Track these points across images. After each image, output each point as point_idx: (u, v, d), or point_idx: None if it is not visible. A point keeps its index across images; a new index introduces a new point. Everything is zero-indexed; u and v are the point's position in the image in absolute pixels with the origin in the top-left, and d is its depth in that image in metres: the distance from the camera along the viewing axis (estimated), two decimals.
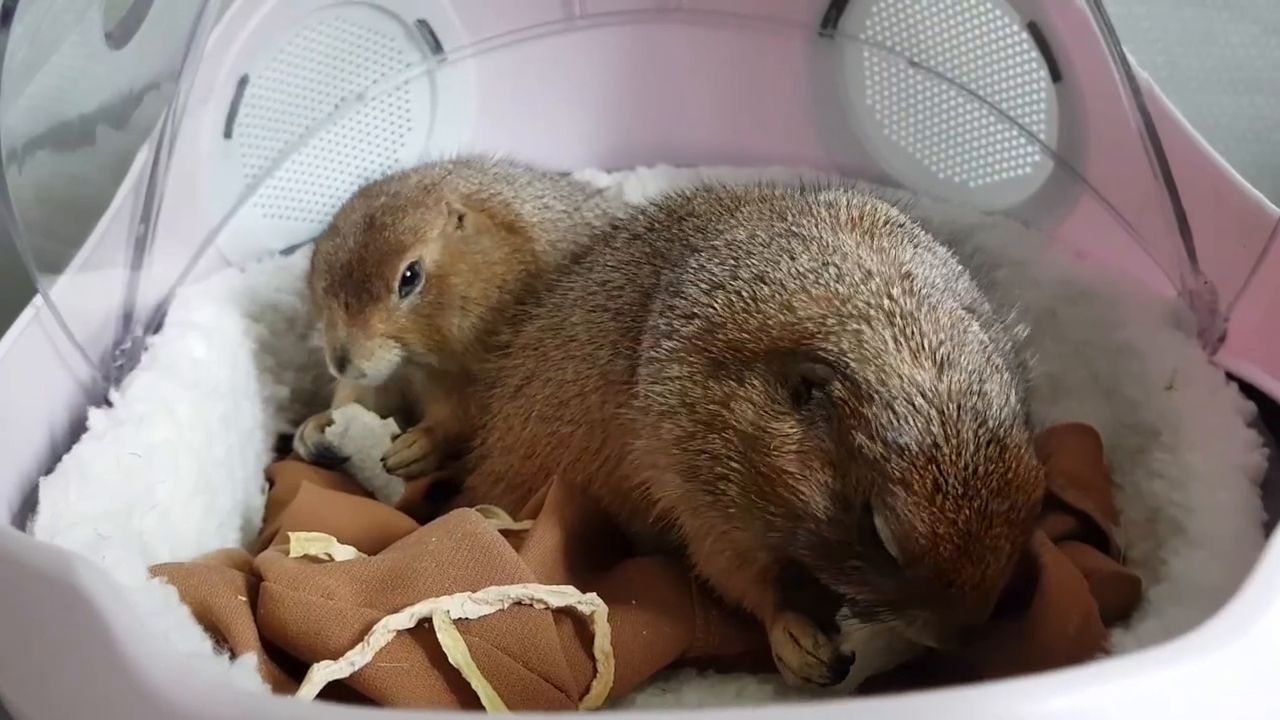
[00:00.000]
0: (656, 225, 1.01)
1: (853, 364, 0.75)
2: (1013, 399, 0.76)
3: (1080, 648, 0.76)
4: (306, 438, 1.18)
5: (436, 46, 1.36)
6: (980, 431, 0.73)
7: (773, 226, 0.88)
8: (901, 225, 0.90)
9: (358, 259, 1.10)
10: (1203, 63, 1.37)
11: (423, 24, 1.35)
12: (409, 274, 1.10)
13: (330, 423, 1.17)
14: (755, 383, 0.78)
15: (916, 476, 0.71)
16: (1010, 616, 0.80)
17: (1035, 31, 1.16)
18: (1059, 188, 1.20)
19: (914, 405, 0.72)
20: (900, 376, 0.73)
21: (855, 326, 0.76)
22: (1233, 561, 0.79)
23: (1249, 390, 0.95)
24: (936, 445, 0.72)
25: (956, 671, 0.79)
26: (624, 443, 0.89)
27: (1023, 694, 0.47)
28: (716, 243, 0.89)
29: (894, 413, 0.72)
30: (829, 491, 0.74)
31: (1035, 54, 1.17)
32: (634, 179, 1.40)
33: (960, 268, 0.89)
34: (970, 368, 0.75)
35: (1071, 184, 1.18)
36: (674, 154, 1.42)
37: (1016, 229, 1.22)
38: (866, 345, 0.75)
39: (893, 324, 0.76)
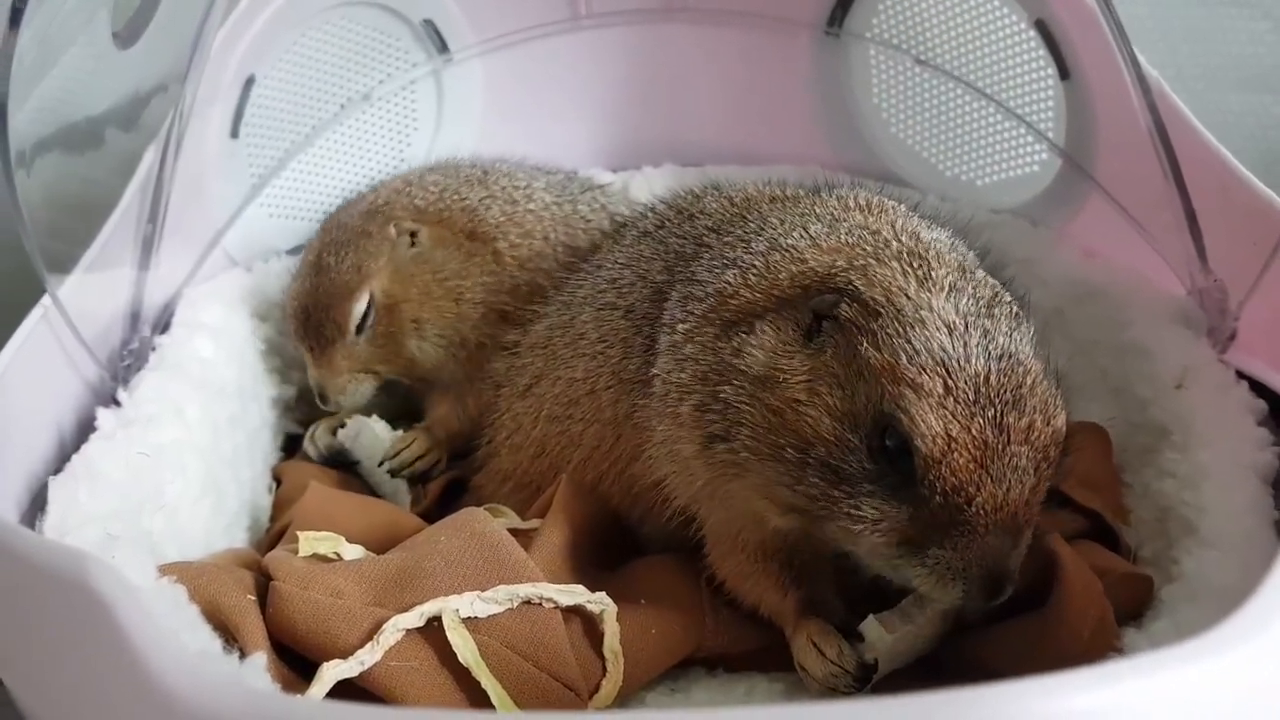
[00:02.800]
0: (667, 223, 1.02)
1: (860, 287, 0.76)
2: (1024, 328, 0.77)
3: (1093, 650, 0.76)
4: (318, 439, 1.19)
5: (442, 46, 1.36)
6: (990, 346, 0.73)
7: (787, 218, 0.89)
8: (907, 215, 0.91)
9: (312, 304, 1.15)
10: (1211, 60, 1.36)
11: (428, 24, 1.35)
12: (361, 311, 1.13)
13: (342, 425, 1.18)
14: (766, 329, 0.79)
15: (926, 378, 0.71)
16: (1024, 615, 0.80)
17: (1043, 29, 1.16)
18: (1067, 186, 1.19)
19: (920, 317, 0.73)
20: (907, 296, 0.75)
21: (863, 263, 0.78)
22: (1245, 560, 0.78)
23: (1259, 388, 0.95)
24: (945, 350, 0.72)
25: (970, 671, 0.79)
26: (638, 441, 0.89)
27: (1041, 692, 0.47)
28: (728, 239, 0.89)
29: (900, 323, 0.73)
30: (837, 412, 0.74)
31: (1043, 51, 1.17)
32: (640, 178, 1.40)
33: (973, 255, 0.89)
34: (978, 296, 0.76)
35: (1080, 182, 1.17)
36: (680, 153, 1.42)
37: (1024, 227, 1.22)
38: (874, 273, 0.77)
39: (900, 260, 0.78)
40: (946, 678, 0.80)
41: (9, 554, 0.63)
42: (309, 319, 1.15)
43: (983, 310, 0.75)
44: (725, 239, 0.90)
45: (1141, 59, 1.03)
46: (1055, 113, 1.18)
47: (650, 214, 1.08)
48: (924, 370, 0.71)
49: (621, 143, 1.43)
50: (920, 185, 1.30)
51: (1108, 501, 0.94)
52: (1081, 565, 0.81)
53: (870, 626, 0.80)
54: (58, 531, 0.80)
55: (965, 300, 0.75)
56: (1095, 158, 1.15)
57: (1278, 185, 0.96)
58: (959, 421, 0.70)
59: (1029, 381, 0.73)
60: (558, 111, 1.41)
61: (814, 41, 1.34)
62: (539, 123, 1.41)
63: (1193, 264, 1.03)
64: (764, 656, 0.88)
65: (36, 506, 0.84)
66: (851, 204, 0.90)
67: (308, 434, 1.21)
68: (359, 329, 1.14)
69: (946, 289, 0.75)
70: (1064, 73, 1.15)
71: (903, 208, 0.93)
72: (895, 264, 0.77)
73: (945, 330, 0.72)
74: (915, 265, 0.77)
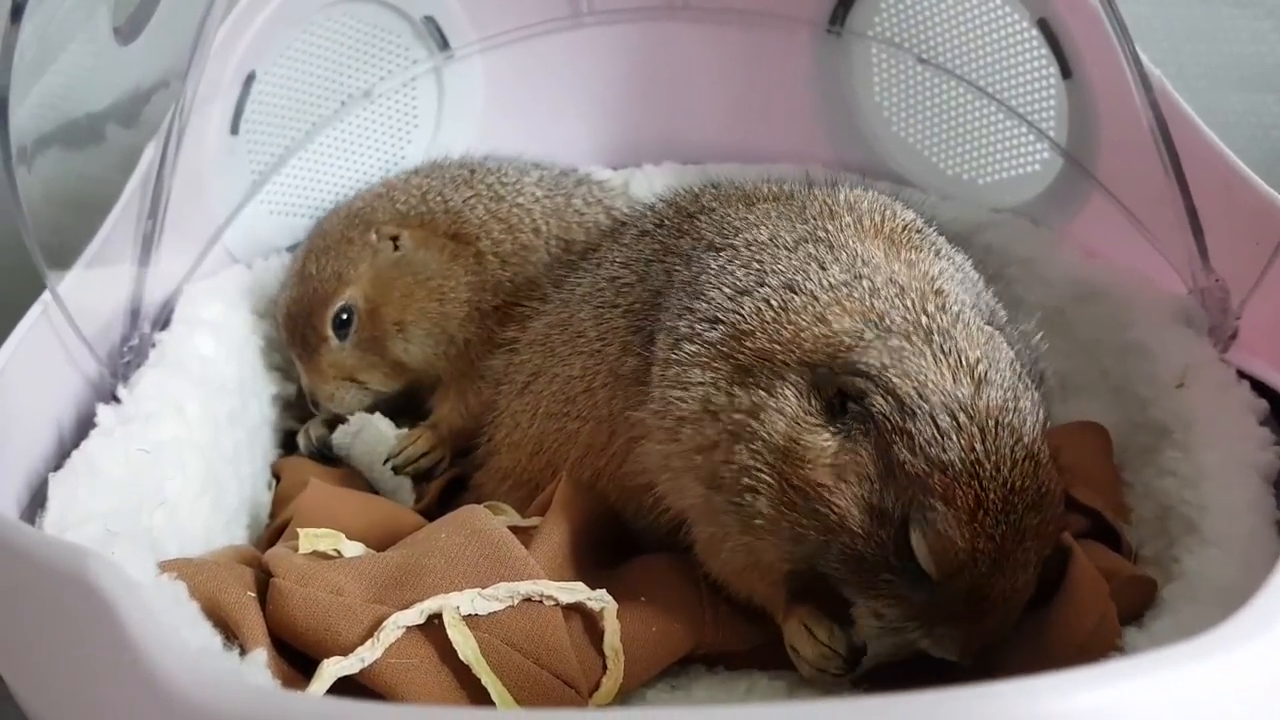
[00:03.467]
0: (666, 222, 1.01)
1: (894, 378, 0.74)
2: (1041, 415, 0.77)
3: (1094, 646, 0.76)
4: (311, 430, 1.20)
5: (443, 43, 1.36)
6: (1017, 448, 0.73)
7: (795, 229, 0.87)
8: (920, 231, 0.90)
9: (296, 311, 1.16)
10: (1212, 59, 1.36)
11: (429, 20, 1.34)
12: (343, 318, 1.14)
13: (344, 421, 1.18)
14: (787, 393, 0.77)
15: (959, 492, 0.71)
16: (1028, 611, 0.80)
17: (1045, 28, 1.16)
18: (1069, 185, 1.19)
19: (957, 421, 0.72)
20: (942, 392, 0.73)
21: (895, 343, 0.76)
22: (1247, 559, 0.78)
23: (1261, 388, 0.95)
24: (978, 462, 0.72)
25: (971, 666, 0.79)
26: (630, 440, 0.89)
27: (1043, 691, 0.47)
28: (735, 242, 0.88)
29: (938, 428, 0.72)
30: (866, 506, 0.74)
31: (1045, 50, 1.17)
32: (640, 176, 1.40)
33: (977, 275, 0.89)
34: (1005, 385, 0.75)
35: (1081, 181, 1.17)
36: (681, 151, 1.42)
37: (1025, 227, 1.22)
38: (907, 360, 0.75)
39: (930, 341, 0.76)
40: (948, 673, 0.80)
41: (10, 550, 0.63)
42: (295, 327, 1.16)
43: (1010, 402, 0.74)
44: (731, 240, 0.88)
45: (1144, 58, 1.03)
46: (1057, 112, 1.18)
47: (650, 212, 1.07)
48: (958, 482, 0.71)
49: (622, 140, 1.42)
50: (921, 184, 1.30)
51: (1109, 501, 0.94)
52: (1087, 563, 0.81)
53: (861, 611, 0.80)
54: (58, 528, 0.80)
55: (995, 393, 0.74)
56: (1097, 157, 1.15)
57: (1279, 185, 0.96)
58: (985, 533, 0.71)
59: (1047, 481, 0.74)
60: (558, 109, 1.41)
61: (815, 40, 1.34)
62: (540, 120, 1.41)
63: (1194, 263, 1.03)
64: (765, 654, 0.88)
65: (36, 503, 0.83)
66: (866, 224, 0.88)
67: (304, 427, 1.21)
68: (342, 336, 1.15)
69: (979, 381, 0.74)
70: (1066, 72, 1.15)
71: (911, 214, 0.92)
72: (928, 350, 0.75)
73: (979, 436, 0.72)
74: (947, 350, 0.75)
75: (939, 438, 0.72)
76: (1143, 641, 0.75)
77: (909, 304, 0.79)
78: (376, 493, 1.15)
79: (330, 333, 1.15)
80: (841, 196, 0.93)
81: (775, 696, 0.84)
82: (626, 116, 1.42)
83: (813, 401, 0.76)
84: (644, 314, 0.92)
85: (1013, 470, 0.72)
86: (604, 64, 1.39)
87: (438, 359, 1.16)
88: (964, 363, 0.75)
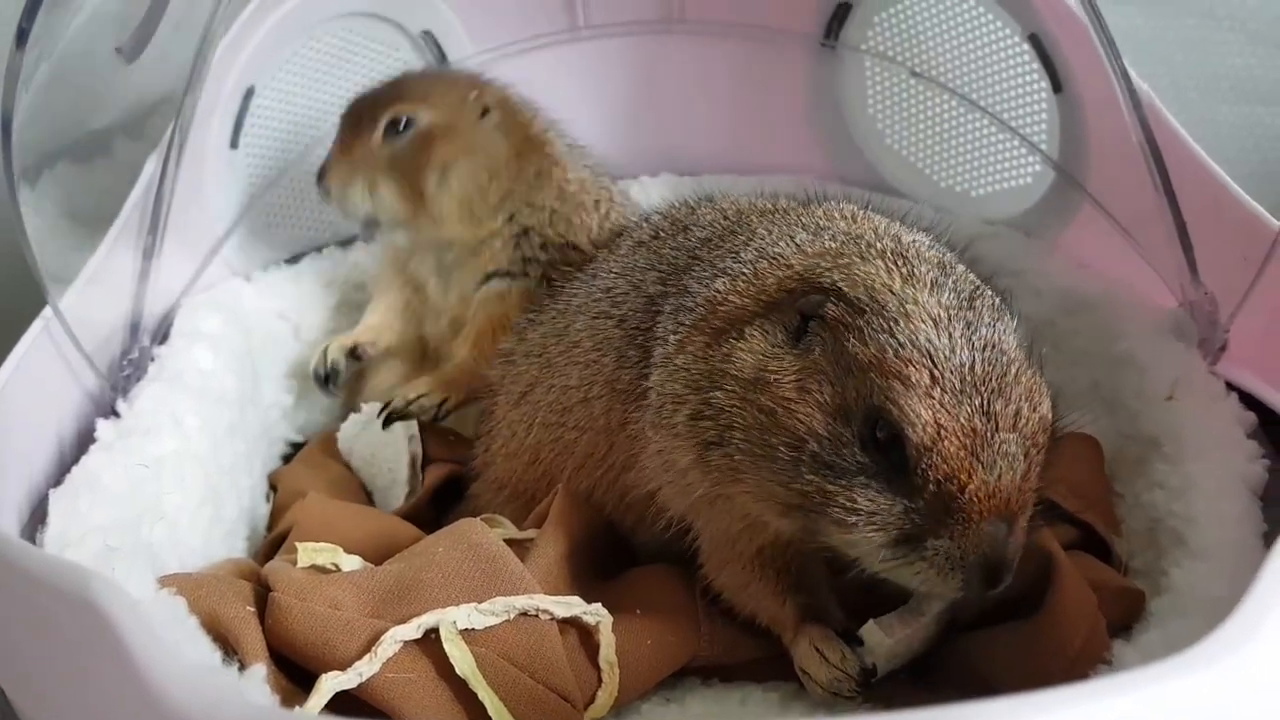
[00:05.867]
0: (661, 233, 1.02)
1: (844, 286, 0.78)
2: (1007, 320, 0.78)
3: (1083, 660, 0.77)
4: (330, 352, 1.21)
5: (441, 57, 1.37)
6: (974, 337, 0.75)
7: (774, 225, 0.91)
8: (892, 222, 0.93)
9: (366, 97, 1.18)
10: (1202, 73, 1.37)
11: (428, 35, 1.35)
12: (399, 122, 1.15)
13: (353, 351, 1.21)
14: (754, 334, 0.80)
15: (912, 370, 0.73)
16: (1017, 621, 0.80)
17: (1036, 43, 1.17)
18: (1060, 198, 1.20)
19: (905, 310, 0.75)
20: (892, 293, 0.77)
21: (847, 262, 0.80)
22: (1234, 572, 0.79)
23: (1249, 401, 0.96)
24: (930, 342, 0.74)
25: (962, 677, 0.80)
26: (631, 451, 0.90)
27: (1028, 709, 0.47)
28: (718, 251, 0.91)
29: (885, 318, 0.75)
30: (828, 408, 0.75)
31: (1036, 65, 1.18)
32: (637, 188, 1.41)
33: (953, 255, 0.91)
34: (959, 290, 0.78)
35: (1072, 194, 1.18)
36: (677, 163, 1.43)
37: (1017, 239, 1.23)
38: (858, 271, 0.79)
39: (884, 257, 0.80)
40: (939, 684, 0.81)
41: (14, 569, 0.64)
42: (355, 110, 1.18)
43: (964, 303, 0.77)
44: (715, 252, 0.91)
45: (1132, 73, 1.04)
46: (1048, 125, 1.19)
47: (645, 224, 1.08)
48: (910, 363, 0.73)
49: (619, 153, 1.43)
50: (915, 196, 1.31)
51: (1100, 513, 0.95)
52: (1077, 576, 0.82)
53: (870, 631, 0.81)
54: (59, 543, 0.81)
55: (947, 294, 0.77)
56: (1088, 170, 1.16)
57: (1272, 196, 0.97)
58: (947, 410, 0.72)
59: (1013, 370, 0.75)
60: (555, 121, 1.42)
61: (810, 53, 1.35)
62: None
63: (1184, 276, 1.03)
64: (759, 666, 0.89)
65: (37, 518, 0.84)
66: (836, 214, 0.92)
67: (320, 351, 1.22)
68: (388, 136, 1.15)
69: (929, 284, 0.77)
70: (1057, 86, 1.16)
71: (887, 219, 0.94)
72: (879, 262, 0.79)
73: (930, 323, 0.74)
74: (898, 263, 0.79)
75: (887, 325, 0.75)
76: (1130, 655, 0.76)
77: (866, 241, 0.83)
78: (370, 495, 1.16)
79: (381, 128, 1.16)
80: (822, 205, 0.97)
81: (769, 709, 0.85)
82: (623, 129, 1.43)
83: (779, 335, 0.79)
84: (638, 325, 0.93)
85: (970, 354, 0.74)
86: (601, 77, 1.40)
87: (457, 222, 1.17)
88: (915, 273, 0.78)
